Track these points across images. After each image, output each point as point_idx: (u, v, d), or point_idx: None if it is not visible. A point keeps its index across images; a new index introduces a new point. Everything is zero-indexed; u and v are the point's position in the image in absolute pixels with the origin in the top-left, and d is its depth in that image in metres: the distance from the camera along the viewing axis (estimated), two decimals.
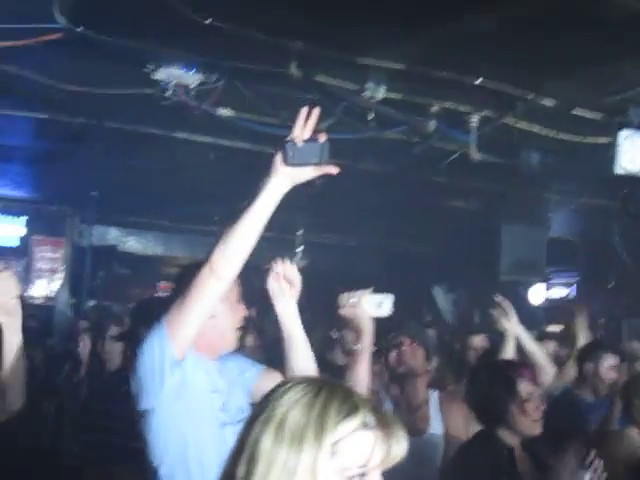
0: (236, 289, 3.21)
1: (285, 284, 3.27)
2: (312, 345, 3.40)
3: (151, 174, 9.57)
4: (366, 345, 3.69)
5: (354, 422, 1.61)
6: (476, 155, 6.71)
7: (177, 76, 5.79)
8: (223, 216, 12.00)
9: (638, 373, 5.48)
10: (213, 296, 2.83)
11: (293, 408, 1.62)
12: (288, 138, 2.71)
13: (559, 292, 14.03)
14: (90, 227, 12.67)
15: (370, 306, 3.77)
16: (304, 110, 2.73)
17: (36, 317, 11.87)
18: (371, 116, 6.16)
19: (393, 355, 4.71)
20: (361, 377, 3.64)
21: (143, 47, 5.33)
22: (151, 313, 3.45)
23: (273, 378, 3.14)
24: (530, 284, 13.27)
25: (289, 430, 1.60)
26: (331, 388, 1.67)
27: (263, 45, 5.06)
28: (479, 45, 5.16)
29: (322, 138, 2.70)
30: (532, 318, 14.09)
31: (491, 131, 6.51)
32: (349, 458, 1.60)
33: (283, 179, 2.73)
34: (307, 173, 2.73)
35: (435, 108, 6.26)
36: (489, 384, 3.78)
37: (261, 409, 1.67)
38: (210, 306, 2.86)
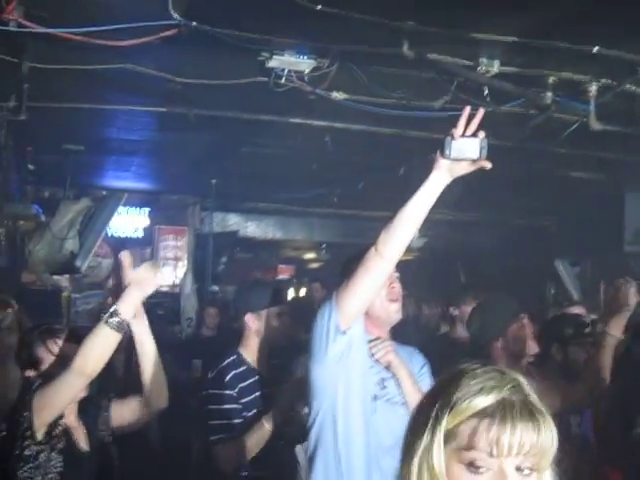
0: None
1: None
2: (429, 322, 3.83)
3: (268, 160, 9.71)
4: None
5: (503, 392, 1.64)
6: (596, 124, 6.55)
7: (291, 63, 5.84)
8: (341, 197, 12.19)
9: None
10: (377, 274, 3.18)
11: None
12: (449, 135, 2.90)
13: None
14: (211, 214, 12.95)
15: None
16: (467, 109, 2.94)
17: (164, 305, 12.26)
18: (486, 91, 6.08)
19: None
20: None
21: (256, 37, 5.39)
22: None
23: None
24: None
25: None
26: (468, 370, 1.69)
27: (374, 27, 5.05)
28: (593, 11, 5.01)
29: (480, 135, 2.89)
30: None
31: (610, 99, 6.33)
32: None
33: (443, 172, 2.97)
34: (465, 167, 2.94)
35: (552, 79, 6.12)
36: None
37: None
38: (375, 283, 3.23)
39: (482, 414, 1.59)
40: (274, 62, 5.81)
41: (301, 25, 5.23)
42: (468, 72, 5.82)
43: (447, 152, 2.90)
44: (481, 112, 2.94)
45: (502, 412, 1.58)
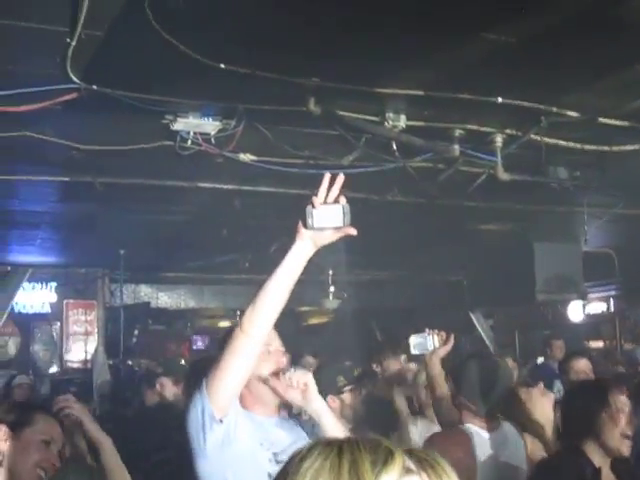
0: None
1: (302, 389, 3.26)
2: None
3: (177, 227, 9.55)
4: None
5: (395, 470, 1.36)
6: (503, 175, 6.61)
7: (196, 125, 5.75)
8: (253, 262, 12.06)
9: None
10: (245, 355, 3.00)
11: (317, 476, 1.37)
12: (309, 203, 2.77)
13: (598, 307, 13.85)
14: (121, 286, 12.68)
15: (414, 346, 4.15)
16: (327, 176, 2.81)
17: (75, 381, 11.87)
18: (395, 146, 6.07)
19: None
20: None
21: (159, 98, 5.29)
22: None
23: None
24: (568, 301, 13.10)
25: None
26: (354, 442, 1.42)
27: (279, 84, 5.00)
28: (496, 63, 5.07)
29: (342, 201, 2.76)
30: (573, 335, 13.96)
31: (517, 149, 6.40)
32: None
33: (306, 243, 2.83)
34: (329, 236, 2.81)
35: (458, 132, 6.16)
36: (582, 396, 3.78)
37: None
38: (244, 364, 3.02)
39: None
40: (179, 125, 5.71)
41: (205, 85, 5.14)
42: (375, 127, 5.81)
43: (309, 222, 2.76)
44: (341, 177, 2.79)
45: None
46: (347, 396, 7.00)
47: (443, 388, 4.67)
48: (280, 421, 3.42)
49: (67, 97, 5.04)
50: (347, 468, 1.37)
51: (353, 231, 2.77)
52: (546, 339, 11.20)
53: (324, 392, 3.72)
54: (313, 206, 2.77)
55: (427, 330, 4.65)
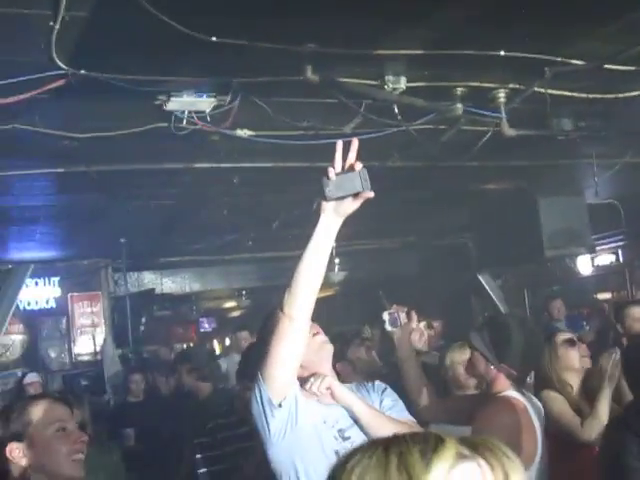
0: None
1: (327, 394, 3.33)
2: None
3: (176, 210, 9.40)
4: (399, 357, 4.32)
5: (448, 457, 1.26)
6: (509, 131, 6.42)
7: (190, 103, 5.56)
8: (255, 240, 11.92)
9: None
10: (293, 338, 2.98)
11: (364, 474, 1.27)
12: (324, 175, 2.73)
13: (607, 259, 13.72)
14: (124, 275, 12.56)
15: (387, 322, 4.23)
16: (340, 143, 2.75)
17: (87, 374, 11.79)
18: (396, 110, 5.88)
19: None
20: (412, 387, 4.27)
21: (150, 78, 5.09)
22: None
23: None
24: (576, 255, 12.96)
25: None
26: (401, 436, 1.33)
27: (274, 54, 4.79)
28: (496, 17, 4.88)
29: (358, 167, 2.70)
30: (582, 288, 13.86)
31: (520, 104, 6.20)
32: None
33: (330, 215, 2.79)
34: (350, 204, 2.75)
35: (460, 90, 5.96)
36: None
37: None
38: (294, 348, 3.02)
39: None
40: (172, 104, 5.52)
41: (197, 60, 4.95)
42: (376, 91, 5.62)
43: (327, 193, 2.72)
44: (355, 142, 2.75)
45: None
46: (362, 351, 7.11)
47: (413, 372, 4.36)
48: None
49: (55, 84, 4.85)
50: (395, 462, 1.26)
51: (371, 194, 2.71)
52: (544, 302, 11.18)
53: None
54: (328, 177, 2.71)
55: (394, 307, 4.41)
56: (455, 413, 4.23)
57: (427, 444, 1.27)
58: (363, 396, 3.44)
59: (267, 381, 3.06)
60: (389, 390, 3.58)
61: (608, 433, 3.76)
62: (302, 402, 3.17)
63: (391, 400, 3.50)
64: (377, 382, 3.65)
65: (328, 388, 3.27)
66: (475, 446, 1.30)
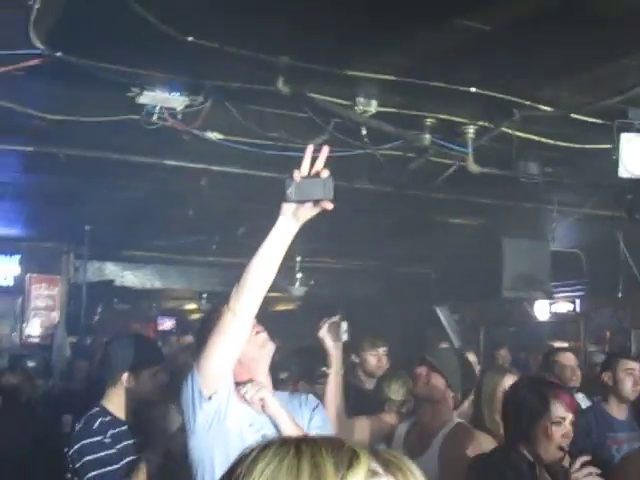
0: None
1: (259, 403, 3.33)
2: None
3: (143, 205, 9.39)
4: (333, 369, 4.12)
5: (360, 474, 1.25)
6: (474, 167, 6.53)
7: (162, 99, 5.61)
8: (220, 245, 11.93)
9: None
10: (233, 333, 3.00)
11: (274, 478, 1.24)
12: (289, 176, 2.72)
13: (564, 307, 13.84)
14: (85, 263, 12.51)
15: (331, 333, 4.09)
16: (310, 148, 2.76)
17: (35, 356, 11.71)
18: (364, 132, 5.97)
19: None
20: (329, 400, 4.07)
21: (126, 70, 5.15)
22: None
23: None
24: (534, 299, 13.07)
25: None
26: (312, 442, 1.30)
27: (248, 61, 4.88)
28: (472, 52, 5.00)
29: (324, 174, 2.69)
30: (538, 334, 13.96)
31: (488, 142, 6.32)
32: None
33: (289, 217, 2.79)
34: (309, 209, 2.75)
35: (429, 121, 6.08)
36: (525, 394, 3.68)
37: None
38: (233, 343, 3.04)
39: None
40: (145, 98, 5.58)
41: (172, 58, 5.02)
42: (345, 111, 5.71)
43: (289, 194, 2.71)
44: (325, 150, 2.75)
45: None
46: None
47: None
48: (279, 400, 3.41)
49: (30, 63, 4.90)
50: (308, 471, 1.24)
51: (330, 205, 2.71)
52: (491, 351, 11.18)
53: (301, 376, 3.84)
54: (292, 179, 2.71)
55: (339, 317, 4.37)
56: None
57: (340, 457, 1.26)
58: (294, 407, 3.45)
59: (201, 372, 3.08)
60: (320, 408, 3.57)
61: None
62: (233, 402, 3.20)
63: (321, 419, 3.48)
64: (311, 396, 3.65)
65: (261, 399, 3.28)
66: (387, 463, 1.31)
